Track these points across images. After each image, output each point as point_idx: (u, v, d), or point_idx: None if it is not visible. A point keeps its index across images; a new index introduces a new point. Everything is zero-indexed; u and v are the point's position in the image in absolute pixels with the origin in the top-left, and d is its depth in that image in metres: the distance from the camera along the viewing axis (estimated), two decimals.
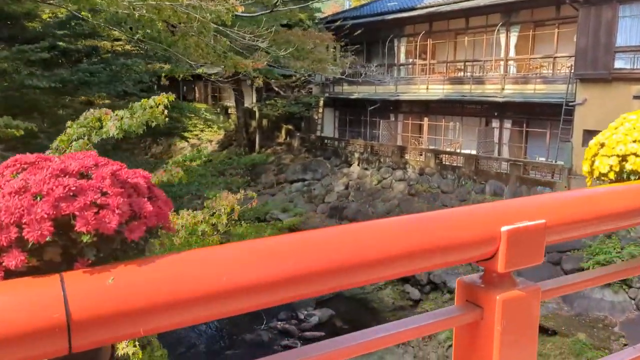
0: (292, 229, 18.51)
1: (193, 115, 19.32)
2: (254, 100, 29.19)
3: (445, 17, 21.31)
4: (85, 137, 3.37)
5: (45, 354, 0.63)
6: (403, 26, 23.14)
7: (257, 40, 7.92)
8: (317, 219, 20.58)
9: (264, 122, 28.23)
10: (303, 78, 23.09)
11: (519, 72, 19.53)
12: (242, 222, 9.49)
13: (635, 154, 1.48)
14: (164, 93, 4.07)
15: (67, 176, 0.75)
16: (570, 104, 16.33)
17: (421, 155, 20.53)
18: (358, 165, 22.59)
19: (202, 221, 4.14)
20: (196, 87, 34.75)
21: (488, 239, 1.03)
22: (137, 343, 3.72)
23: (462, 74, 21.45)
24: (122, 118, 3.37)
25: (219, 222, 4.31)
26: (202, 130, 23.64)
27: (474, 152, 19.43)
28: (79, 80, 9.64)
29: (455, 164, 19.23)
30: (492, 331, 1.06)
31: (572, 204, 1.18)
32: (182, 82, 32.59)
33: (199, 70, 10.27)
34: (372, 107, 23.23)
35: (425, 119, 22.38)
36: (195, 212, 4.32)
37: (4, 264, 0.67)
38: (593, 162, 1.59)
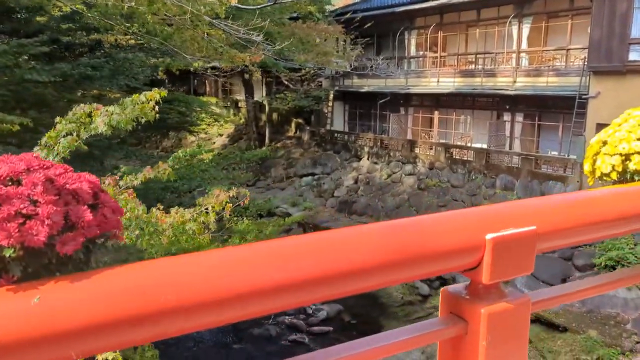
0: (300, 223, 18.49)
1: (200, 109, 19.26)
2: (264, 94, 29.15)
3: (456, 9, 21.04)
4: (74, 134, 3.32)
5: None
6: (414, 18, 22.90)
7: (252, 34, 7.80)
8: (326, 214, 20.53)
9: (274, 115, 28.19)
10: (312, 71, 22.96)
11: (531, 64, 19.23)
12: (245, 218, 9.42)
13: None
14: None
15: None
16: (584, 97, 16.06)
17: (431, 149, 20.36)
18: (368, 159, 22.46)
19: (190, 219, 4.07)
20: (207, 81, 34.80)
21: (471, 247, 0.95)
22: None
23: (473, 66, 21.19)
24: (111, 114, 3.31)
25: (207, 221, 4.23)
26: (208, 125, 23.61)
27: (484, 146, 19.22)
28: (80, 75, 9.60)
29: (465, 158, 19.03)
30: (477, 346, 0.99)
31: (567, 208, 1.09)
32: (192, 76, 32.66)
33: (195, 64, 10.17)
34: (382, 101, 23.06)
35: (436, 112, 22.18)
36: (184, 210, 4.26)
37: None
38: (594, 161, 1.49)
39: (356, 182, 21.74)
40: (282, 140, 27.50)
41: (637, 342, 11.16)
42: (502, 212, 1.04)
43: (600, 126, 15.28)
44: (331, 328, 13.23)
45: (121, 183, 3.81)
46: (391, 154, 21.59)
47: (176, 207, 4.27)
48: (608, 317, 11.95)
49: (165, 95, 3.88)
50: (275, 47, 9.49)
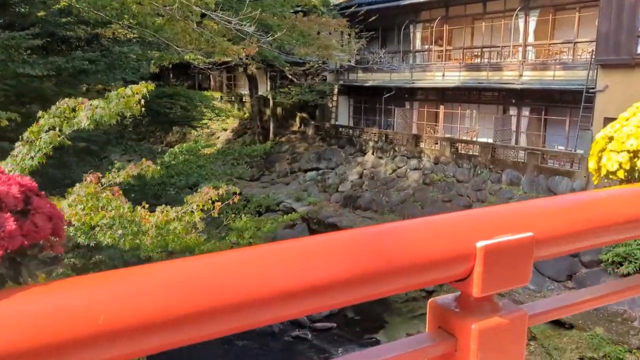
0: (304, 218, 18.39)
1: (201, 104, 19.14)
2: (268, 89, 29.03)
3: (462, 2, 20.84)
4: (57, 129, 3.23)
5: None
6: (419, 12, 22.69)
7: (244, 24, 7.67)
8: (331, 208, 20.45)
9: (278, 110, 28.08)
10: (316, 65, 22.79)
11: (537, 58, 19.02)
12: (243, 215, 9.31)
13: None
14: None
15: None
16: (591, 90, 15.84)
17: (436, 143, 20.21)
18: (372, 154, 22.33)
19: (175, 219, 3.95)
20: (211, 76, 34.72)
21: (460, 256, 0.85)
22: None
23: (479, 60, 20.99)
24: (95, 108, 3.21)
25: (192, 220, 4.12)
26: (211, 119, 23.50)
27: (490, 140, 19.04)
28: (75, 68, 9.50)
29: (471, 153, 18.88)
30: None
31: (567, 212, 0.98)
32: (197, 70, 32.60)
33: (187, 57, 10.06)
34: (387, 95, 22.90)
35: (441, 106, 22.00)
36: (170, 208, 4.14)
37: None
38: (600, 158, 1.38)
39: (361, 176, 21.63)
40: (286, 135, 27.40)
41: None
42: (495, 216, 0.94)
43: (608, 120, 15.01)
44: (335, 324, 13.17)
45: (103, 181, 3.70)
46: (396, 148, 21.45)
47: (163, 205, 4.16)
48: (615, 315, 11.81)
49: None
50: (267, 38, 9.34)
